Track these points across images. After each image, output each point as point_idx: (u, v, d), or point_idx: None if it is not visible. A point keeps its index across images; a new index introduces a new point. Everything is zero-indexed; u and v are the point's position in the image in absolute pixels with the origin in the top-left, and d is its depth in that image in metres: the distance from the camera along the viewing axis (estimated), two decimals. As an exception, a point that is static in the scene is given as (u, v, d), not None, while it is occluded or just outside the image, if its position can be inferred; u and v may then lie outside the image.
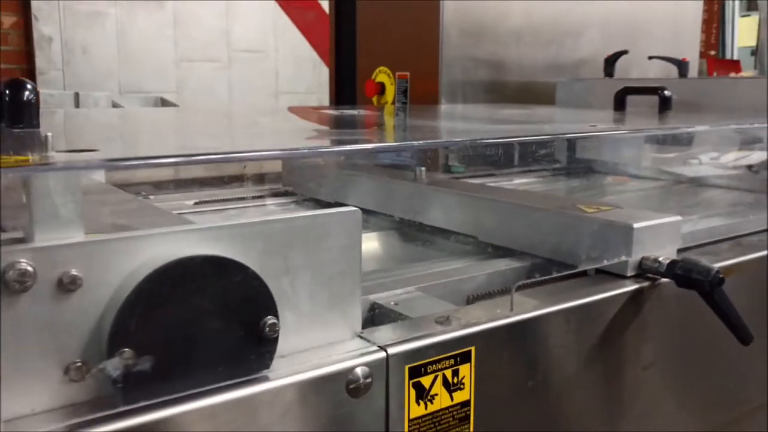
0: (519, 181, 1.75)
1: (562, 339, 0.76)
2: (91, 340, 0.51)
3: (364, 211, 1.20)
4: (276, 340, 0.57)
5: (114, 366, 0.50)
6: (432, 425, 0.66)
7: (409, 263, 0.98)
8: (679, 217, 0.90)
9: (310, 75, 5.18)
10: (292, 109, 1.79)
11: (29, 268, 0.48)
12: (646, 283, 0.83)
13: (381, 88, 2.10)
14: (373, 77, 2.13)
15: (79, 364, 0.51)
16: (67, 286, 0.50)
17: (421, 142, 0.85)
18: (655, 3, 2.37)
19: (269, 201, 1.44)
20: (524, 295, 0.78)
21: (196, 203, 1.36)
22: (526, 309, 0.73)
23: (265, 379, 0.57)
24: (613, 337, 0.81)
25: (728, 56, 7.38)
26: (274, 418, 0.57)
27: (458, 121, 1.48)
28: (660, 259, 0.84)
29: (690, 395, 0.94)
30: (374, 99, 2.13)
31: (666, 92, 1.54)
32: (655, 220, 0.86)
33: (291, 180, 1.48)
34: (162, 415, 0.51)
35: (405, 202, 1.18)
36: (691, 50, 2.67)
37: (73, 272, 0.50)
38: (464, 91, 1.98)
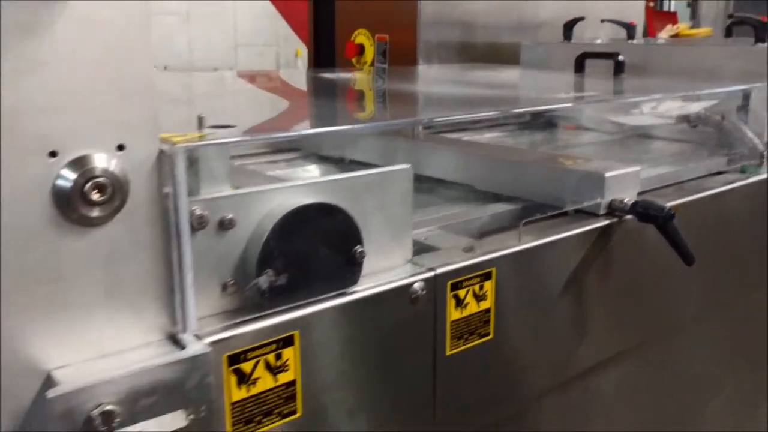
0: (489, 135, 1.96)
1: (554, 261, 1.00)
2: (238, 264, 0.71)
3: (368, 165, 1.40)
4: (362, 263, 0.78)
5: (263, 282, 0.70)
6: (465, 326, 0.89)
7: (422, 208, 1.19)
8: (639, 167, 1.13)
9: (268, 29, 5.26)
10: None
11: (205, 213, 0.67)
12: (614, 220, 1.07)
13: (360, 50, 2.28)
14: (352, 39, 2.30)
15: (232, 282, 0.71)
16: (226, 225, 0.69)
17: (441, 118, 1.06)
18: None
19: (278, 157, 1.61)
20: (523, 230, 1.00)
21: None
22: (529, 240, 0.95)
23: (354, 292, 0.78)
24: (590, 259, 1.04)
25: (666, 8, 7.74)
26: (360, 319, 0.78)
27: (448, 86, 1.68)
28: (625, 200, 1.08)
29: (644, 302, 1.19)
30: (354, 60, 2.30)
31: (620, 57, 1.77)
32: (621, 170, 1.10)
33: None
34: (291, 317, 0.72)
35: (406, 156, 1.38)
36: (639, 8, 2.93)
37: (230, 216, 0.69)
38: (439, 52, 2.17)
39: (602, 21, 2.44)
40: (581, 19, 2.22)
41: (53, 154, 0.56)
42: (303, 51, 5.56)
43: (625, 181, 1.10)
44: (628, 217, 1.08)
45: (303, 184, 0.75)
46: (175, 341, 0.66)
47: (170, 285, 0.65)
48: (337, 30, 2.37)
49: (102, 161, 0.58)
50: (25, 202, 0.56)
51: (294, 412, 0.74)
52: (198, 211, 0.67)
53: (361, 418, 0.81)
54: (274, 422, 0.72)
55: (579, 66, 1.86)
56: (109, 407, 0.57)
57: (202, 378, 0.63)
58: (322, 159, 1.58)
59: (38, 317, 0.58)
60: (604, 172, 1.07)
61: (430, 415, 0.88)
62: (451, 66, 2.14)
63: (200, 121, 0.71)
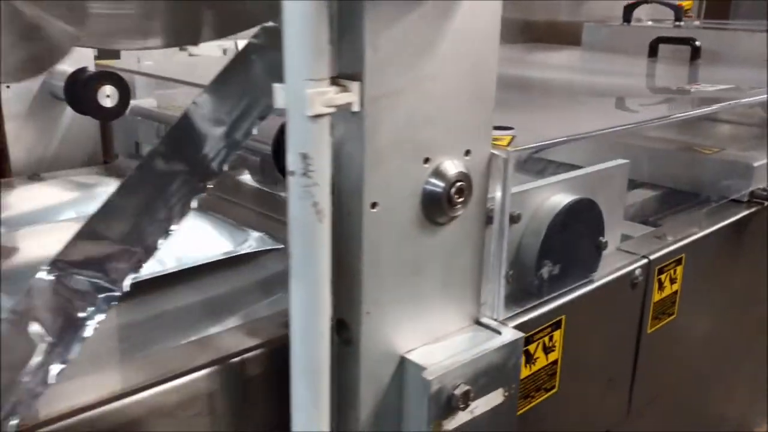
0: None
1: (718, 246, 1.09)
2: (514, 255, 0.77)
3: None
4: (603, 252, 0.85)
5: (545, 272, 0.76)
6: (661, 307, 0.97)
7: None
8: (774, 156, 1.22)
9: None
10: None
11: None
12: (759, 207, 1.16)
13: (423, 26, 2.29)
14: (414, 15, 2.31)
15: (511, 272, 0.77)
16: (514, 219, 0.75)
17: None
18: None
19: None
20: (677, 220, 1.08)
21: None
22: (706, 226, 1.04)
23: (593, 280, 0.85)
24: (747, 239, 1.14)
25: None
26: (598, 302, 0.86)
27: (596, 76, 1.69)
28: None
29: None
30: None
31: (697, 43, 1.85)
32: (763, 160, 1.18)
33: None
34: (560, 302, 0.79)
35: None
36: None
37: (518, 211, 0.75)
38: (503, 32, 2.21)
39: (648, 2, 2.50)
40: (645, 1, 2.28)
41: (426, 160, 0.61)
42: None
43: (765, 169, 1.19)
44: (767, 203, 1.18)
45: (563, 179, 0.81)
46: (480, 326, 0.72)
47: (480, 276, 0.71)
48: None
49: (457, 166, 0.63)
50: (405, 204, 0.61)
51: (554, 387, 0.81)
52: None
53: (582, 388, 0.89)
54: (541, 397, 0.80)
55: (653, 51, 1.93)
56: (466, 387, 0.64)
57: (517, 359, 0.70)
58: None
59: (400, 307, 0.63)
60: (752, 161, 1.16)
61: (628, 389, 0.97)
62: (522, 46, 2.19)
63: (487, 123, 0.76)
